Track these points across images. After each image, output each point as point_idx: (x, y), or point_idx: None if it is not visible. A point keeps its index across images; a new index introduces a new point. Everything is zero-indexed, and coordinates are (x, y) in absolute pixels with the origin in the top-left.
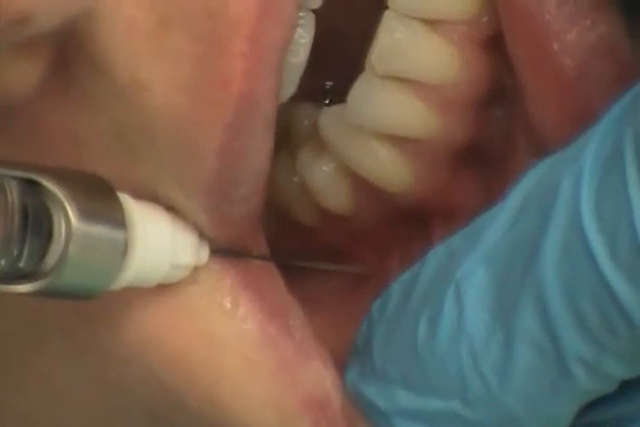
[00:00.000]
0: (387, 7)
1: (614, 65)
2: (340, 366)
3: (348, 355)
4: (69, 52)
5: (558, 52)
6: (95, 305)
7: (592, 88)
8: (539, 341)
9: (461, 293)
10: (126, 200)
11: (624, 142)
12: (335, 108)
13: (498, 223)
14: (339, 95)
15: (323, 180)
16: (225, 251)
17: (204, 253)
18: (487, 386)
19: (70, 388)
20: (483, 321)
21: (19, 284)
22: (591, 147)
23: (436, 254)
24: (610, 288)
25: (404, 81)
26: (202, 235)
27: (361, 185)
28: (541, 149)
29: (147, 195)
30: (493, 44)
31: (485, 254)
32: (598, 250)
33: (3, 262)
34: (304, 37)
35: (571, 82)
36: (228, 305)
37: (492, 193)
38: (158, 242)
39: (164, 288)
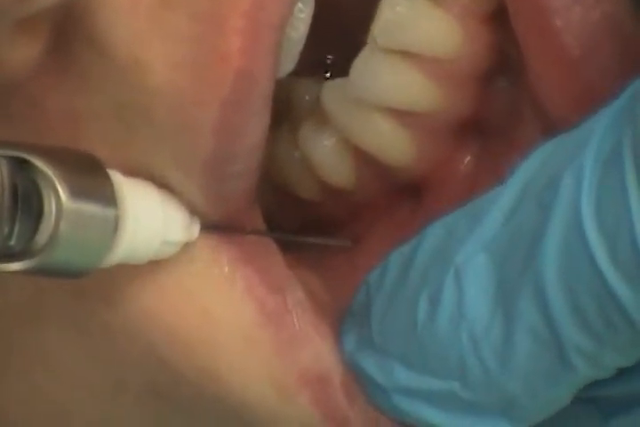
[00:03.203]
0: None
1: (618, 43)
2: (337, 330)
3: (343, 318)
4: (69, 31)
5: (561, 30)
6: (92, 283)
7: (595, 66)
8: (538, 331)
9: (461, 278)
10: (116, 177)
11: (623, 143)
12: (337, 82)
13: (498, 209)
14: (340, 69)
15: (324, 154)
16: (218, 227)
17: (195, 230)
18: (487, 370)
19: (70, 366)
20: (483, 308)
21: (10, 262)
22: (593, 143)
23: (435, 230)
24: (609, 287)
25: (406, 55)
26: (195, 211)
27: (363, 159)
28: (546, 121)
29: (143, 173)
30: (496, 17)
31: (485, 241)
32: (598, 250)
33: None
34: (304, 12)
35: (574, 60)
36: (226, 282)
37: (496, 167)
38: (149, 219)
39: (161, 266)
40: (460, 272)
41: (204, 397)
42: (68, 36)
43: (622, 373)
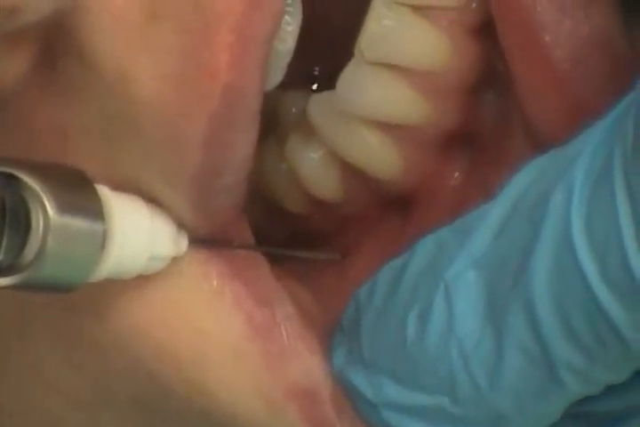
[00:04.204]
0: None
1: (608, 58)
2: (326, 344)
3: (333, 333)
4: (57, 45)
5: (550, 45)
6: (81, 297)
7: (585, 81)
8: (529, 348)
9: (451, 295)
10: (104, 192)
11: (613, 160)
12: (324, 95)
13: (487, 225)
14: (327, 82)
15: (311, 167)
16: (206, 241)
17: (183, 244)
18: (477, 386)
19: (58, 377)
20: (473, 324)
21: None
22: (583, 159)
23: (425, 246)
24: (599, 305)
25: (393, 67)
26: (183, 226)
27: (350, 172)
28: (535, 135)
29: (131, 187)
30: (483, 29)
31: (475, 257)
32: (588, 267)
33: None
34: (291, 24)
35: (563, 74)
36: (214, 296)
37: (485, 180)
38: (136, 234)
39: (149, 280)
40: (450, 288)
41: (192, 410)
42: (56, 50)
43: (612, 388)
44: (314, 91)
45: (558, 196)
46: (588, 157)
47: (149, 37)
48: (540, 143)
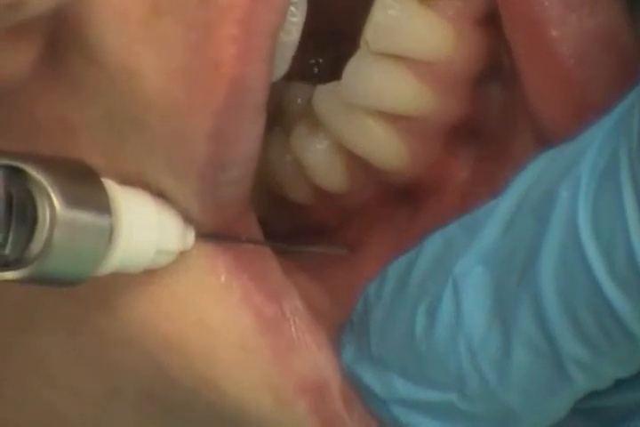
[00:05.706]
0: None
1: (614, 53)
2: (335, 338)
3: (342, 328)
4: (61, 39)
5: (556, 40)
6: (87, 290)
7: (590, 76)
8: (536, 343)
9: (459, 290)
10: (111, 186)
11: (619, 156)
12: (329, 86)
13: (495, 221)
14: (332, 73)
15: (317, 158)
16: (213, 235)
17: (190, 239)
18: (485, 382)
19: (64, 372)
20: (481, 320)
21: (4, 271)
22: (589, 155)
23: (433, 242)
24: (606, 300)
25: (398, 58)
26: (190, 220)
27: (355, 163)
28: (541, 129)
29: (136, 181)
30: (489, 20)
31: (483, 253)
32: (595, 262)
33: None
34: (296, 16)
35: (569, 70)
36: (222, 291)
37: (488, 171)
38: (143, 228)
39: (157, 275)
40: (458, 284)
41: (200, 403)
42: (61, 44)
43: (620, 383)
44: (319, 82)
45: (564, 191)
46: (594, 152)
47: (153, 32)
48: (545, 138)
